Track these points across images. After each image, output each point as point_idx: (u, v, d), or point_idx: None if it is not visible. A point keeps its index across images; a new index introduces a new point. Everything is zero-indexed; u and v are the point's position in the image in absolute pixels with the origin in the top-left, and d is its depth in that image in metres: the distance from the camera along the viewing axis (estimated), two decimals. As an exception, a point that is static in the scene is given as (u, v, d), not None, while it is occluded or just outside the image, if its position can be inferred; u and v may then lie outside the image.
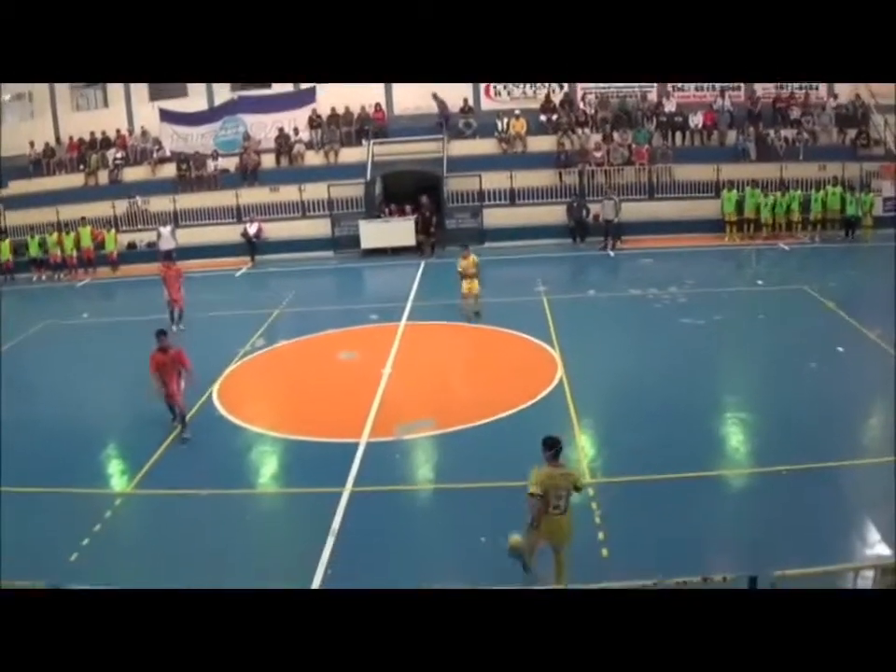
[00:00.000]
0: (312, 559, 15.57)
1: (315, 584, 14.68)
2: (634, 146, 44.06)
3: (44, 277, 45.32)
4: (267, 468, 21.01)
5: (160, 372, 21.78)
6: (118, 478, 21.12)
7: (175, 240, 43.84)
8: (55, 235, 45.59)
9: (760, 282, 33.51)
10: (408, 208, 42.15)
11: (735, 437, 20.32)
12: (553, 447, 13.74)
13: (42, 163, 51.52)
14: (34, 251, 45.82)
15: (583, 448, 19.63)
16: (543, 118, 46.17)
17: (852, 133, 44.02)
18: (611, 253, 39.54)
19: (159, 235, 44.39)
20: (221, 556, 16.18)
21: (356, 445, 20.50)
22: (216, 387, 25.38)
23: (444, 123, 45.67)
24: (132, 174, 49.80)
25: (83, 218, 45.88)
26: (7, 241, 46.61)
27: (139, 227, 45.61)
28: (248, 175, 46.96)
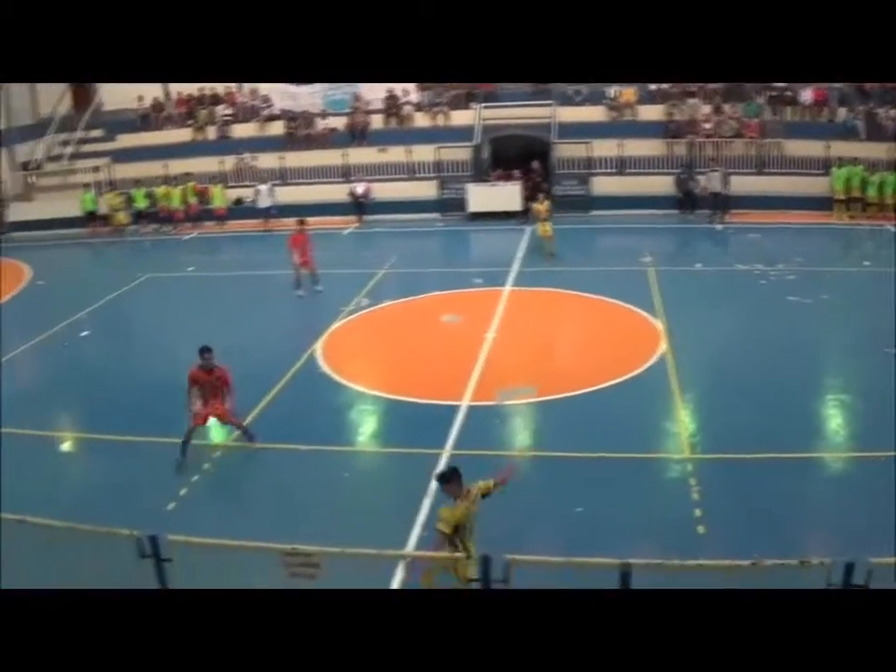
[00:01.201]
0: (407, 520, 15.76)
1: (410, 546, 14.84)
2: (744, 119, 43.47)
3: (150, 230, 45.86)
4: (367, 426, 21.22)
5: (200, 391, 19.99)
6: (219, 430, 21.44)
7: (274, 197, 44.06)
8: (163, 188, 46.13)
9: (867, 263, 32.91)
10: (516, 173, 41.92)
11: (836, 419, 20.02)
12: (450, 479, 12.44)
13: (150, 118, 52.06)
14: (140, 204, 46.37)
15: (683, 422, 19.56)
16: (653, 86, 45.65)
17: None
18: (718, 226, 38.97)
19: (257, 192, 44.62)
20: (316, 512, 16.40)
21: (456, 408, 20.64)
22: (319, 344, 25.65)
23: (550, 90, 45.20)
24: (240, 130, 50.14)
25: (188, 174, 46.40)
26: (116, 193, 47.25)
27: (247, 183, 45.82)
28: (357, 134, 46.95)
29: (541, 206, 34.84)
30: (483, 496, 12.62)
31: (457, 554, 11.88)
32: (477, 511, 12.40)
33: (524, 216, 40.19)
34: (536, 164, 41.76)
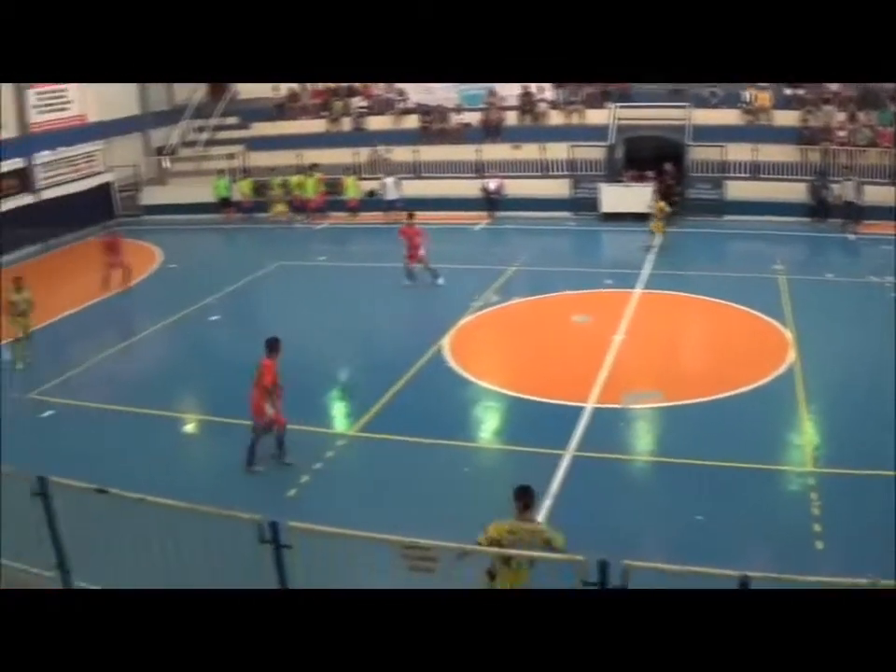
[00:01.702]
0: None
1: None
2: (878, 127, 42.55)
3: (283, 218, 46.29)
4: (490, 423, 21.26)
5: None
6: (343, 419, 21.66)
7: (400, 190, 44.17)
8: (297, 178, 46.48)
9: None
10: (649, 174, 41.56)
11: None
12: (522, 498, 11.92)
13: (286, 107, 52.61)
14: (274, 192, 46.84)
15: (808, 435, 19.26)
16: (789, 92, 44.83)
17: None
18: (851, 236, 37.99)
19: (384, 185, 44.85)
20: (435, 506, 16.48)
21: (581, 409, 20.57)
22: (446, 339, 25.72)
23: (685, 92, 44.56)
24: (375, 122, 50.32)
25: (314, 165, 46.68)
26: (249, 180, 47.90)
27: (380, 175, 45.91)
28: (491, 130, 46.88)
29: (659, 205, 35.69)
30: (553, 546, 11.23)
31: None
32: (523, 545, 11.15)
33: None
34: (669, 167, 41.33)
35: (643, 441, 19.95)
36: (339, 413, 22.37)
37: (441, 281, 31.46)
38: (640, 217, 38.55)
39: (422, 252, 31.59)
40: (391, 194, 44.03)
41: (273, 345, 19.11)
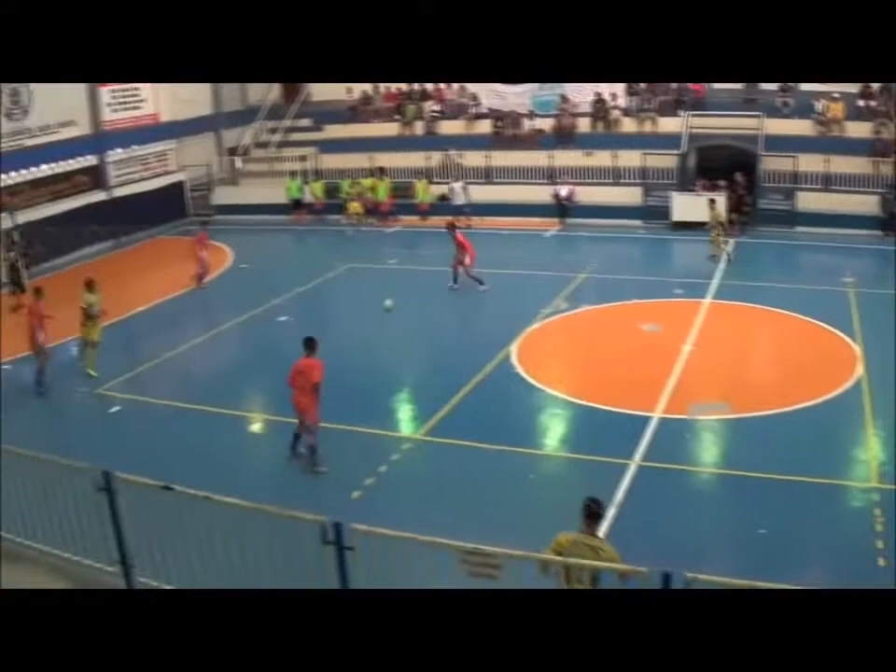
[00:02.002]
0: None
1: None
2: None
3: (356, 220, 46.29)
4: (556, 430, 21.22)
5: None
6: (409, 422, 21.68)
7: (467, 196, 44.14)
8: (369, 181, 46.64)
9: None
10: (721, 184, 41.20)
11: None
12: (589, 513, 11.71)
13: (358, 110, 52.84)
14: (345, 194, 46.91)
15: (874, 451, 18.97)
16: (861, 103, 44.25)
17: None
18: (922, 251, 37.71)
19: (451, 190, 44.92)
20: (499, 512, 16.44)
21: (648, 419, 20.45)
22: (515, 345, 25.67)
23: (758, 101, 44.08)
24: (447, 127, 50.39)
25: (381, 169, 46.85)
26: (321, 182, 48.08)
27: (451, 180, 45.92)
28: (564, 137, 46.66)
29: (714, 213, 35.24)
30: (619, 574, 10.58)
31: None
32: (587, 558, 10.91)
33: (731, 227, 39.55)
34: (739, 177, 40.95)
35: (708, 453, 19.78)
36: (405, 416, 22.39)
37: (483, 287, 31.53)
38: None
39: (466, 259, 31.88)
40: (458, 199, 44.11)
41: (313, 344, 19.80)
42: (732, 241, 36.49)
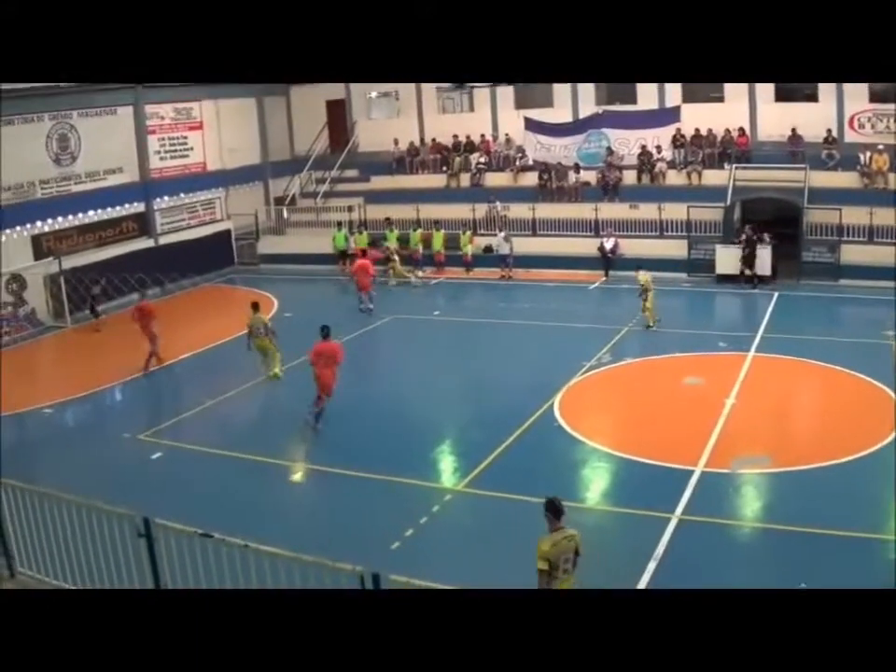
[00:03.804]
0: (631, 582, 15.59)
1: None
2: None
3: (420, 274, 46.21)
4: (598, 483, 21.15)
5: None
6: (451, 474, 21.64)
7: (510, 246, 44.17)
8: (419, 232, 46.78)
9: None
10: (766, 237, 41.04)
11: None
12: (555, 510, 13.18)
13: (405, 161, 53.17)
14: (392, 245, 46.85)
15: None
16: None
17: None
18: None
19: (498, 242, 45.03)
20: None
21: (690, 473, 20.34)
22: (558, 397, 25.64)
23: (803, 153, 44.09)
24: (493, 179, 50.61)
25: (437, 222, 47.02)
26: (366, 233, 48.05)
27: (496, 232, 45.96)
28: (609, 189, 46.74)
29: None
30: (576, 553, 13.13)
31: None
32: (567, 552, 12.90)
33: (772, 279, 39.38)
34: (748, 230, 40.67)
35: (750, 507, 19.59)
36: (447, 467, 22.35)
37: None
38: (756, 280, 38.32)
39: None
40: (502, 250, 44.21)
41: (328, 331, 24.56)
42: (776, 294, 36.15)
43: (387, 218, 48.27)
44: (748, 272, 40.12)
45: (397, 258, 44.14)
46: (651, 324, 32.88)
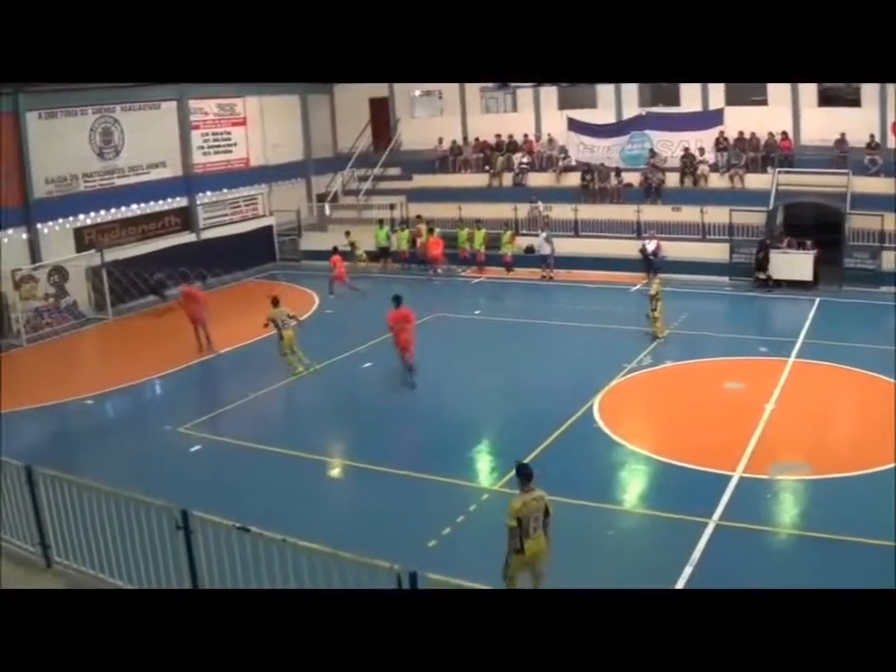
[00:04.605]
0: (667, 585, 15.50)
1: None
2: None
3: (440, 271, 46.47)
4: (636, 486, 21.11)
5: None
6: (488, 473, 21.64)
7: (551, 246, 44.05)
8: (466, 231, 46.71)
9: None
10: (808, 242, 40.79)
11: None
12: (526, 474, 14.88)
13: (448, 160, 53.28)
14: (463, 244, 46.98)
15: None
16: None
17: None
18: None
19: (540, 242, 44.96)
20: (577, 568, 16.23)
21: (728, 478, 20.25)
22: (598, 399, 25.65)
23: (846, 158, 43.69)
24: (536, 179, 50.53)
25: (479, 221, 46.83)
26: (407, 232, 48.37)
27: (538, 232, 45.82)
28: (651, 191, 46.63)
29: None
30: (546, 513, 14.77)
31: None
32: (536, 513, 14.53)
33: (814, 285, 39.15)
34: (768, 242, 40.61)
35: (788, 514, 19.47)
36: (485, 467, 22.35)
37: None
38: (798, 285, 38.09)
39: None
40: (543, 250, 44.17)
41: (400, 299, 28.79)
42: (818, 299, 35.97)
43: (418, 216, 48.71)
44: (761, 275, 40.18)
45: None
46: (661, 335, 32.22)
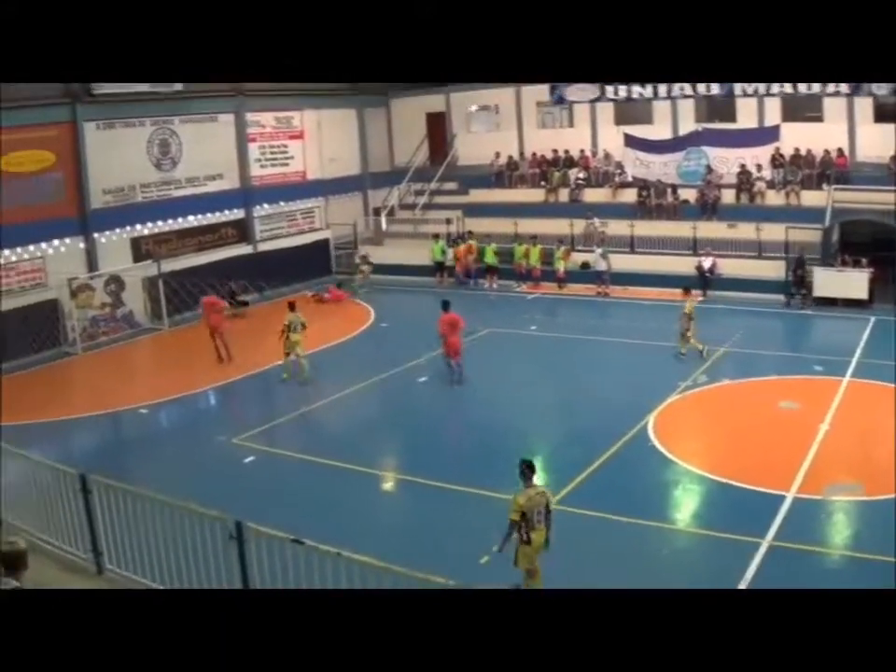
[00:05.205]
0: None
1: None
2: None
3: (495, 286, 46.59)
4: (689, 505, 21.09)
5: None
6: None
7: (607, 262, 44.04)
8: (524, 247, 46.68)
9: None
10: (863, 260, 40.46)
11: None
12: (530, 469, 15.92)
13: (504, 175, 53.39)
14: (489, 259, 47.13)
15: None
16: None
17: None
18: None
19: (595, 258, 44.93)
20: (628, 584, 16.14)
21: (782, 498, 20.16)
22: (652, 416, 25.60)
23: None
24: (592, 195, 50.42)
25: (535, 237, 46.80)
26: (464, 245, 48.28)
27: (594, 248, 45.70)
28: (708, 208, 46.41)
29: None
30: (548, 510, 15.97)
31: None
32: (539, 506, 15.67)
33: (868, 303, 38.84)
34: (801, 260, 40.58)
35: (841, 535, 19.38)
36: (539, 483, 22.27)
37: None
38: (854, 304, 37.82)
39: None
40: (599, 266, 44.17)
41: (448, 304, 30.47)
42: (873, 318, 35.69)
43: (469, 231, 48.94)
44: (797, 292, 40.23)
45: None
46: (684, 350, 32.10)
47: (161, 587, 14.19)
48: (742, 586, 16.16)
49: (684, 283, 35.61)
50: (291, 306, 31.25)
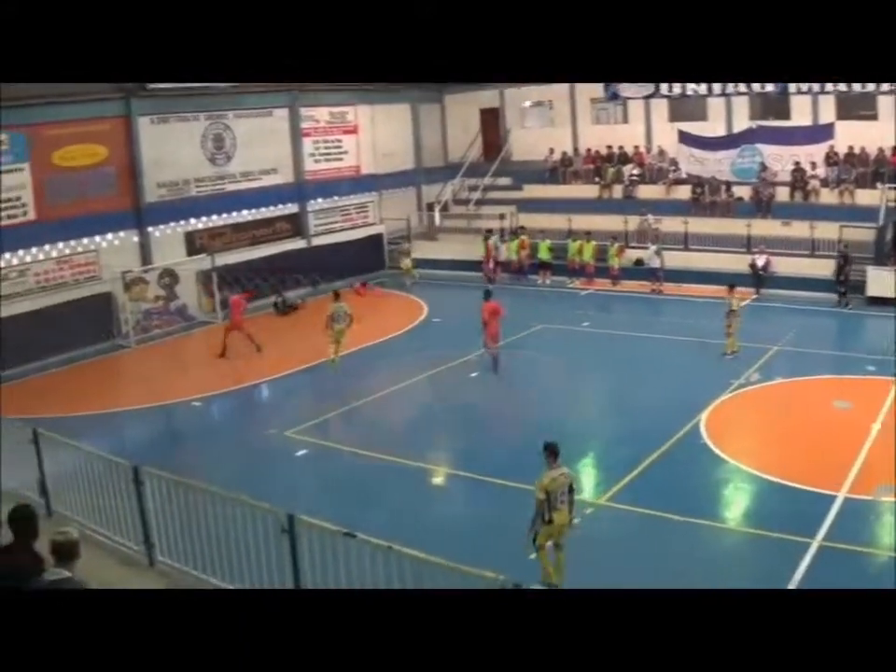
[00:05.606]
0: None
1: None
2: None
3: (548, 281, 46.65)
4: (740, 504, 21.10)
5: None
6: (593, 487, 21.65)
7: (661, 259, 44.00)
8: (578, 243, 46.59)
9: None
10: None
11: None
12: (553, 451, 16.67)
13: (558, 171, 53.30)
14: (543, 255, 47.08)
15: None
16: None
17: None
18: None
19: (649, 254, 44.91)
20: (677, 583, 16.12)
21: (832, 498, 20.10)
22: (704, 415, 25.57)
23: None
24: (646, 191, 50.29)
25: (588, 233, 46.66)
26: (517, 241, 48.27)
27: (647, 245, 45.62)
28: (762, 205, 46.15)
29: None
30: (571, 489, 16.88)
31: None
32: (563, 486, 16.58)
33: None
34: (841, 247, 40.21)
35: (891, 536, 19.22)
36: (589, 480, 22.38)
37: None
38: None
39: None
40: (652, 263, 44.15)
41: (489, 293, 32.33)
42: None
43: (521, 227, 48.97)
44: (841, 289, 40.02)
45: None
46: (729, 351, 31.97)
47: (212, 579, 14.35)
48: (791, 587, 16.12)
49: (731, 280, 35.41)
50: (336, 296, 32.14)
